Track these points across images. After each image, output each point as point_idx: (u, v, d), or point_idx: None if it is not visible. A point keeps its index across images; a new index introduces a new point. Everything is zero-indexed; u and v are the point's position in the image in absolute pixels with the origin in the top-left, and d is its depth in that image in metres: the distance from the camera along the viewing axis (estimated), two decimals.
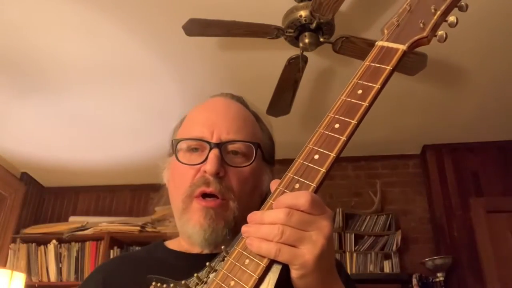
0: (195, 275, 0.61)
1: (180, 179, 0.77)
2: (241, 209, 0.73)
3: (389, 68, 0.67)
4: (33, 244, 3.53)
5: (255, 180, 0.77)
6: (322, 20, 2.05)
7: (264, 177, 0.79)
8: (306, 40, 2.12)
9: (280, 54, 2.39)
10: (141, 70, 2.68)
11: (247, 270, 0.55)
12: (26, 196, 3.77)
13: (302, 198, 0.55)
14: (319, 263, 0.53)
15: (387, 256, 3.18)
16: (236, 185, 0.74)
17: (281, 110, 2.64)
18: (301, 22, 2.09)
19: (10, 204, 3.57)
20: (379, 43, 0.73)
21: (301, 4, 2.11)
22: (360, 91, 0.65)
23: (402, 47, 0.70)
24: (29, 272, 3.41)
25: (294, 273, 0.54)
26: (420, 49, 2.46)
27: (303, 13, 2.07)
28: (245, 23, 2.08)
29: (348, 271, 3.11)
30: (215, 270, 0.59)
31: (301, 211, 0.54)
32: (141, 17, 2.29)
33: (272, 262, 0.55)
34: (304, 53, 2.23)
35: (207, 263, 0.61)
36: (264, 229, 0.55)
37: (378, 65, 0.67)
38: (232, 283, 0.55)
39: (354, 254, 3.18)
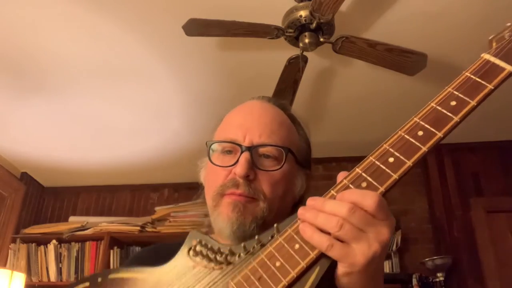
0: (242, 244, 0.60)
1: (212, 179, 0.79)
2: (271, 211, 0.74)
3: (490, 87, 0.61)
4: (33, 244, 3.53)
5: (286, 183, 0.78)
6: (322, 20, 2.05)
7: (296, 180, 0.80)
8: (306, 40, 2.12)
9: (280, 54, 2.39)
10: (141, 70, 2.68)
11: (296, 256, 0.54)
12: (26, 196, 3.77)
13: (369, 198, 0.54)
14: (368, 266, 0.53)
15: (387, 256, 3.18)
16: (266, 188, 0.75)
17: None
18: (301, 22, 2.09)
19: (10, 204, 3.57)
20: (485, 56, 0.67)
21: (301, 4, 2.11)
22: (453, 103, 0.60)
23: (509, 69, 0.62)
24: (29, 272, 3.41)
25: (341, 270, 0.54)
26: (419, 48, 2.46)
27: (303, 13, 2.07)
28: (245, 23, 2.08)
29: None
30: (263, 245, 0.58)
31: (365, 211, 0.54)
32: (141, 17, 2.29)
33: (322, 255, 0.54)
34: (304, 53, 2.23)
35: (256, 236, 0.60)
36: (322, 218, 0.54)
37: (479, 81, 0.63)
38: (278, 263, 0.54)
39: None
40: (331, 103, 3.03)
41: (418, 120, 0.60)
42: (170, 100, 2.96)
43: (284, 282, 0.53)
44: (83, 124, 3.19)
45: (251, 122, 0.79)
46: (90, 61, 2.60)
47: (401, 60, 2.21)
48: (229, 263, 0.59)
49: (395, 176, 0.56)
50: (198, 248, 0.61)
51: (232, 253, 0.60)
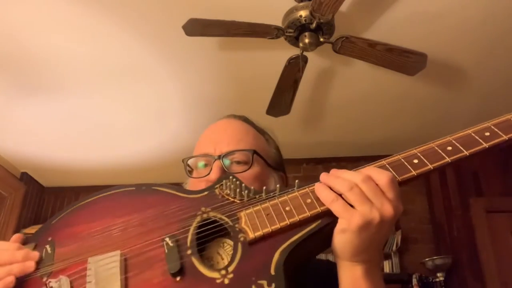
0: (264, 187, 0.70)
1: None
2: None
3: None
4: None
5: (259, 183, 0.83)
6: (322, 20, 2.05)
7: (269, 181, 0.87)
8: (306, 40, 2.12)
9: (280, 54, 2.39)
10: (141, 70, 2.68)
11: (304, 207, 0.64)
12: (26, 196, 3.77)
13: (384, 175, 0.62)
14: (363, 229, 0.59)
15: (387, 256, 3.18)
16: None
17: (281, 110, 2.64)
18: (301, 22, 2.09)
19: (10, 204, 3.57)
20: None
21: (301, 4, 2.11)
22: (487, 133, 0.68)
23: None
24: None
25: (338, 226, 0.61)
26: (419, 49, 2.46)
27: (303, 13, 2.07)
28: (245, 23, 2.08)
29: None
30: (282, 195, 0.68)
31: (377, 184, 0.61)
32: (142, 17, 2.29)
33: (326, 213, 0.62)
34: (304, 53, 2.23)
35: (278, 185, 0.70)
36: (337, 181, 0.63)
37: None
38: (287, 208, 0.64)
39: None
40: (331, 103, 3.03)
41: (451, 139, 0.71)
42: (170, 100, 2.96)
43: (287, 222, 0.62)
44: (83, 124, 3.19)
45: (220, 136, 0.88)
46: (90, 61, 2.60)
47: (401, 60, 2.21)
48: (249, 199, 0.69)
49: (413, 172, 0.64)
50: (228, 183, 0.72)
51: (255, 193, 0.70)
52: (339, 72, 2.72)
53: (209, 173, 0.83)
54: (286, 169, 0.96)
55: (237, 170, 0.83)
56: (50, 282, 0.61)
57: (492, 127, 0.67)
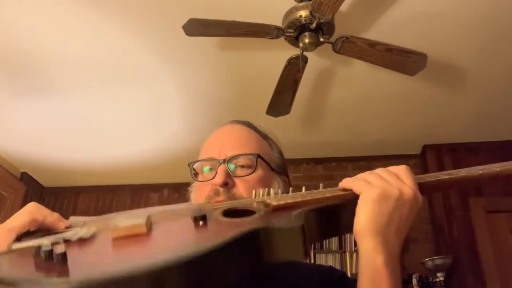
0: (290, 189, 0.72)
1: (199, 195, 0.88)
2: None
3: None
4: None
5: (262, 187, 0.85)
6: (322, 20, 2.05)
7: (273, 184, 0.89)
8: (306, 40, 2.12)
9: (280, 54, 2.39)
10: (141, 70, 2.68)
11: (326, 193, 0.67)
12: (26, 196, 3.77)
13: (400, 167, 0.67)
14: (382, 202, 0.62)
15: None
16: (244, 192, 0.83)
17: (281, 110, 2.64)
18: (301, 22, 2.09)
19: (10, 204, 3.57)
20: None
21: (301, 4, 2.11)
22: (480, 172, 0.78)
23: None
24: None
25: (359, 201, 0.63)
26: (419, 49, 2.46)
27: (303, 13, 2.07)
28: (245, 23, 2.08)
29: (348, 271, 3.12)
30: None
31: (394, 173, 0.66)
32: (141, 17, 2.29)
33: (349, 197, 0.65)
34: (304, 53, 2.23)
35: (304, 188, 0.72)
36: (361, 174, 0.67)
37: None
38: (309, 195, 0.66)
39: (354, 254, 3.18)
40: (331, 103, 3.03)
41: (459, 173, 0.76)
42: (170, 100, 2.96)
43: (309, 197, 0.65)
44: (83, 124, 3.19)
45: (224, 140, 0.91)
46: (90, 61, 2.60)
47: (401, 60, 2.21)
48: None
49: (431, 179, 0.71)
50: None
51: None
52: (339, 72, 2.72)
53: (214, 177, 0.84)
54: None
55: (241, 174, 0.85)
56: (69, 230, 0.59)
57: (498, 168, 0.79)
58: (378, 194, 0.62)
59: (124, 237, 0.51)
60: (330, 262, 3.16)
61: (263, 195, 0.70)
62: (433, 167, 3.44)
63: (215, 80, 2.78)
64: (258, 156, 0.87)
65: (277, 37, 2.17)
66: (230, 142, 0.89)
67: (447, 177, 0.72)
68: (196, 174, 0.91)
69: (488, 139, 3.40)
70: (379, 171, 0.67)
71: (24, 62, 2.59)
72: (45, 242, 0.48)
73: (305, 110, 3.08)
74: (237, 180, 0.85)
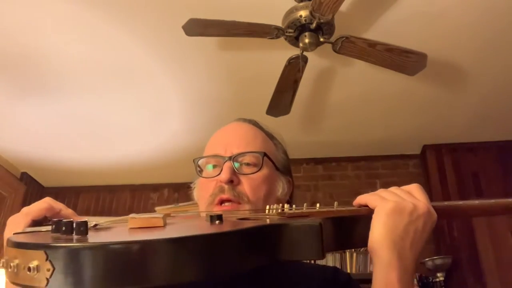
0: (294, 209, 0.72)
1: (203, 192, 0.87)
2: (256, 212, 0.81)
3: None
4: None
5: (267, 186, 0.86)
6: (322, 20, 2.05)
7: (277, 184, 0.89)
8: (306, 40, 2.12)
9: (280, 54, 2.39)
10: (141, 70, 2.68)
11: (344, 209, 0.68)
12: (26, 196, 3.77)
13: (414, 184, 0.68)
14: (396, 214, 0.62)
15: None
16: (249, 190, 0.83)
17: (281, 110, 2.64)
18: (301, 22, 2.09)
19: (10, 204, 3.57)
20: None
21: (301, 4, 2.11)
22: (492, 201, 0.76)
23: None
24: None
25: (373, 216, 0.63)
26: (419, 49, 2.46)
27: (303, 13, 2.07)
28: (245, 23, 2.08)
29: (348, 271, 3.11)
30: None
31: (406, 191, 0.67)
32: (141, 17, 2.29)
33: (363, 211, 0.66)
34: (304, 53, 2.23)
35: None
36: (376, 192, 0.68)
37: None
38: (324, 209, 0.67)
39: (354, 254, 3.18)
40: (331, 103, 3.03)
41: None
42: (170, 100, 2.96)
43: (325, 209, 0.66)
44: (83, 124, 3.19)
45: (230, 138, 0.90)
46: (90, 61, 2.60)
47: (401, 60, 2.21)
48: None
49: (443, 204, 0.71)
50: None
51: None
52: (339, 72, 2.72)
53: (219, 174, 0.84)
54: None
55: (247, 172, 0.85)
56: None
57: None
58: (392, 207, 0.63)
59: (141, 227, 0.51)
60: (330, 263, 3.16)
61: (276, 209, 0.70)
62: (433, 167, 3.44)
63: (215, 80, 2.78)
64: (265, 154, 0.86)
65: (277, 37, 2.17)
66: (236, 140, 0.89)
67: (460, 203, 0.72)
68: (200, 171, 0.90)
69: (488, 139, 3.40)
70: (393, 188, 0.68)
71: (24, 62, 2.59)
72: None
73: (305, 110, 3.08)
74: (242, 178, 0.84)
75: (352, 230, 0.66)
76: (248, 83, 2.80)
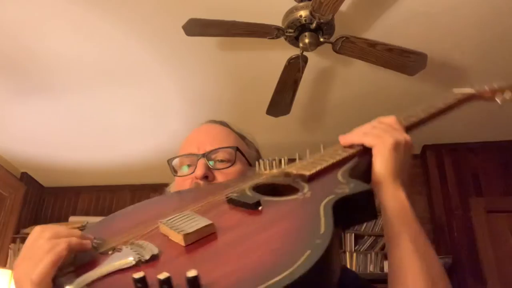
0: (296, 159, 0.74)
1: (178, 189, 0.88)
2: None
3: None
4: None
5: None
6: (322, 20, 2.05)
7: None
8: (306, 40, 2.12)
9: (280, 54, 2.39)
10: (141, 70, 2.68)
11: (340, 152, 0.71)
12: (26, 196, 3.77)
13: (389, 117, 0.76)
14: (395, 147, 0.69)
15: (387, 257, 3.17)
16: None
17: (281, 110, 2.64)
18: (301, 22, 2.09)
19: (10, 204, 3.57)
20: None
21: (301, 4, 2.11)
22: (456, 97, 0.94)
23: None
24: None
25: (376, 152, 0.69)
26: (419, 49, 2.46)
27: (303, 13, 2.07)
28: (245, 23, 2.08)
29: None
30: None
31: (386, 123, 0.74)
32: (141, 17, 2.29)
33: (359, 153, 0.70)
34: (304, 53, 2.23)
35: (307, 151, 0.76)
36: (358, 129, 0.74)
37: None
38: (326, 157, 0.70)
39: (354, 254, 3.18)
40: (331, 103, 3.03)
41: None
42: (170, 100, 2.96)
43: (333, 160, 0.69)
44: (83, 124, 3.19)
45: (203, 137, 0.92)
46: (90, 61, 2.60)
47: (401, 60, 2.21)
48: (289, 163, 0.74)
49: (415, 120, 0.82)
50: (261, 165, 0.76)
51: (289, 161, 0.74)
52: (339, 72, 2.72)
53: (194, 172, 0.85)
54: None
55: (221, 167, 0.86)
56: (120, 249, 0.49)
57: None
58: (392, 143, 0.69)
59: (196, 241, 0.48)
60: None
61: (270, 166, 0.73)
62: (433, 167, 3.44)
63: (215, 80, 2.78)
64: (237, 149, 0.88)
65: (277, 37, 2.17)
66: (209, 138, 0.91)
67: (427, 114, 0.85)
68: (175, 172, 0.92)
69: (488, 139, 3.40)
70: (377, 124, 0.74)
71: (24, 62, 2.59)
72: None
73: (305, 110, 3.07)
74: (216, 173, 0.85)
75: (362, 173, 0.70)
76: (248, 83, 2.80)
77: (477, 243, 3.07)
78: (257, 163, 0.76)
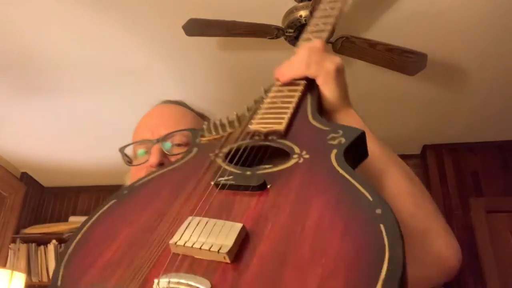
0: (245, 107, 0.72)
1: (134, 179, 0.80)
2: None
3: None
4: (33, 244, 3.53)
5: None
6: None
7: None
8: None
9: (280, 54, 2.39)
10: (141, 70, 2.68)
11: (289, 93, 0.67)
12: (26, 196, 3.77)
13: (316, 42, 0.72)
14: (338, 74, 0.68)
15: None
16: None
17: None
18: (301, 22, 2.09)
19: (10, 204, 3.57)
20: None
21: (301, 4, 2.11)
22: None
23: None
24: (29, 272, 3.41)
25: (321, 82, 0.67)
26: (419, 49, 2.45)
27: (303, 13, 2.07)
28: (245, 23, 2.08)
29: None
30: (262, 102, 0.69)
31: (318, 49, 0.70)
32: (141, 17, 2.29)
33: (305, 90, 0.67)
34: None
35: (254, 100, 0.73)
36: (293, 62, 0.71)
37: None
38: (280, 102, 0.65)
39: None
40: None
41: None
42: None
43: (293, 102, 0.64)
44: (83, 124, 3.19)
45: (157, 120, 0.86)
46: (90, 61, 2.60)
47: (401, 60, 2.21)
48: (241, 120, 0.70)
49: (327, 34, 0.77)
50: (206, 127, 0.69)
51: (238, 117, 0.71)
52: None
53: (148, 160, 0.78)
54: None
55: (178, 152, 0.79)
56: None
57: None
58: (334, 69, 0.67)
59: (238, 252, 0.40)
60: None
61: (221, 127, 0.67)
62: (433, 167, 3.43)
63: (215, 80, 2.78)
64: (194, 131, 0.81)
65: (277, 37, 2.16)
66: (163, 121, 0.84)
67: (331, 25, 0.79)
68: (130, 161, 0.85)
69: (488, 139, 3.39)
70: (309, 52, 0.70)
71: (24, 62, 2.59)
72: None
73: None
74: (173, 159, 0.78)
75: (319, 106, 0.68)
76: (248, 83, 2.80)
77: (477, 243, 3.07)
78: (204, 126, 0.67)
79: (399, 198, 0.63)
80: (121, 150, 0.85)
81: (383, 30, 2.35)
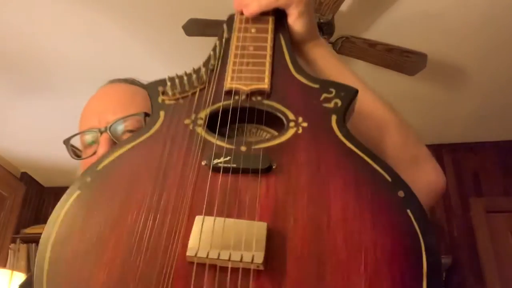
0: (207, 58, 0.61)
1: None
2: None
3: None
4: (33, 244, 3.53)
5: None
6: (322, 20, 2.05)
7: None
8: None
9: None
10: (140, 70, 2.67)
11: (258, 33, 0.60)
12: (26, 196, 3.77)
13: None
14: (308, 3, 0.63)
15: None
16: None
17: None
18: None
19: (10, 204, 3.57)
20: None
21: None
22: None
23: None
24: (29, 272, 3.41)
25: (291, 15, 0.63)
26: (419, 49, 2.45)
27: None
28: None
29: None
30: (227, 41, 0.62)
31: None
32: (141, 17, 2.29)
33: (276, 23, 0.61)
34: None
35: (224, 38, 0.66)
36: None
37: None
38: (251, 47, 0.58)
39: None
40: None
41: None
42: None
43: (268, 52, 0.56)
44: None
45: (103, 104, 0.77)
46: (90, 61, 2.60)
47: (401, 60, 2.21)
48: (210, 72, 0.59)
49: None
50: (169, 84, 0.56)
51: (206, 65, 0.60)
52: None
53: (96, 151, 0.70)
54: None
55: None
56: None
57: None
58: (305, 2, 0.63)
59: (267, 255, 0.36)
60: None
61: (198, 80, 0.56)
62: None
63: None
64: (146, 114, 0.71)
65: None
66: (110, 105, 0.75)
67: None
68: (78, 154, 0.76)
69: (488, 139, 3.39)
70: None
71: (23, 62, 2.59)
72: None
73: None
74: None
75: (291, 43, 0.65)
76: None
77: (477, 243, 3.07)
78: (167, 82, 0.56)
79: (388, 127, 0.67)
80: (66, 142, 0.77)
81: (383, 30, 2.35)
